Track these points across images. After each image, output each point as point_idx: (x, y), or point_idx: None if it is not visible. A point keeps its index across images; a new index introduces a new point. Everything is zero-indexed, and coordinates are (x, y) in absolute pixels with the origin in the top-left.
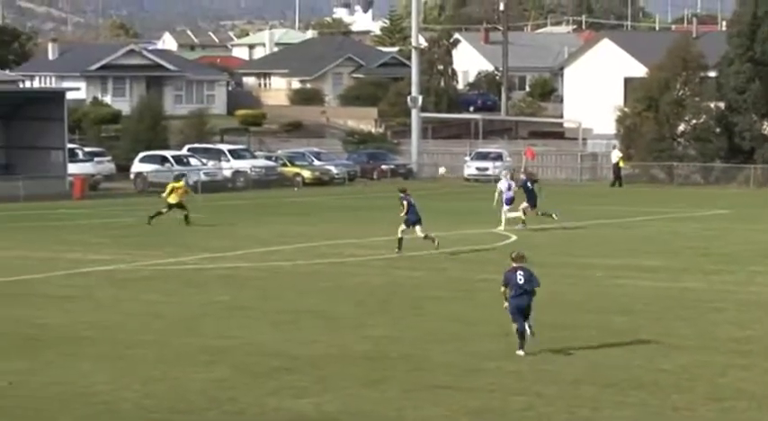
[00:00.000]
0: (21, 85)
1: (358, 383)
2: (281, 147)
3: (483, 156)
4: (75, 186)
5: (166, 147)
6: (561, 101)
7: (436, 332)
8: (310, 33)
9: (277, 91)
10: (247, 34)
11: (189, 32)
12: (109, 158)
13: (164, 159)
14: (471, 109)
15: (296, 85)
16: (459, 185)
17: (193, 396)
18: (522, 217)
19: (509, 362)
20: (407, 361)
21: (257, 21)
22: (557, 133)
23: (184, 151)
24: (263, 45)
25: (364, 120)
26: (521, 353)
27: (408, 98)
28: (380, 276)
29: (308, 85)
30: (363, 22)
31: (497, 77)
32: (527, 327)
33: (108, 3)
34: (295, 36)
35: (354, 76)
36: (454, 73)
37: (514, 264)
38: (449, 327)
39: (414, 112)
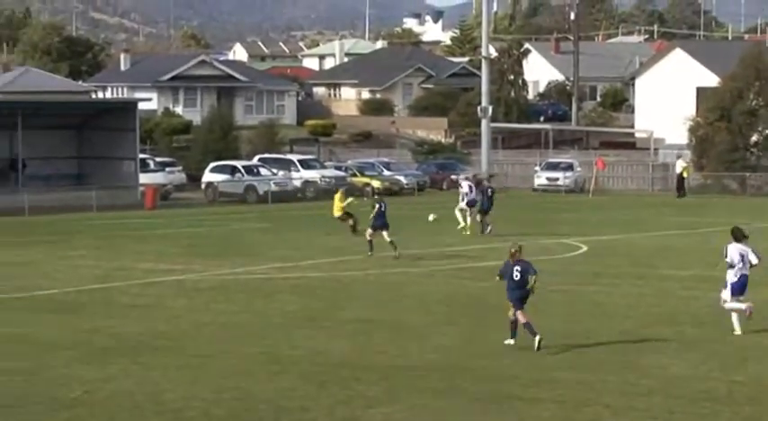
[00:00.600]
0: (93, 96)
1: (427, 394)
2: (350, 157)
3: (553, 167)
4: (147, 196)
5: (237, 157)
6: (632, 111)
7: (502, 343)
8: (380, 44)
9: (347, 101)
10: (318, 45)
11: (260, 43)
12: (180, 168)
13: (234, 169)
14: (542, 119)
15: (366, 95)
16: (528, 196)
17: (262, 405)
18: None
19: (577, 373)
20: (475, 371)
21: (327, 31)
22: (628, 143)
23: (255, 161)
24: (333, 55)
25: (434, 131)
26: (511, 342)
27: (478, 108)
28: (449, 286)
29: (378, 96)
30: (433, 32)
31: (568, 87)
32: (536, 340)
33: (180, 14)
34: (365, 46)
35: (424, 86)
36: (524, 83)
37: (512, 259)
38: (520, 340)
39: (484, 122)
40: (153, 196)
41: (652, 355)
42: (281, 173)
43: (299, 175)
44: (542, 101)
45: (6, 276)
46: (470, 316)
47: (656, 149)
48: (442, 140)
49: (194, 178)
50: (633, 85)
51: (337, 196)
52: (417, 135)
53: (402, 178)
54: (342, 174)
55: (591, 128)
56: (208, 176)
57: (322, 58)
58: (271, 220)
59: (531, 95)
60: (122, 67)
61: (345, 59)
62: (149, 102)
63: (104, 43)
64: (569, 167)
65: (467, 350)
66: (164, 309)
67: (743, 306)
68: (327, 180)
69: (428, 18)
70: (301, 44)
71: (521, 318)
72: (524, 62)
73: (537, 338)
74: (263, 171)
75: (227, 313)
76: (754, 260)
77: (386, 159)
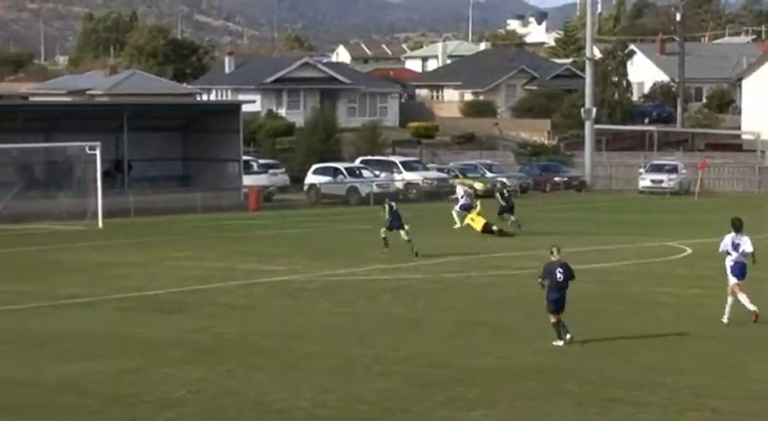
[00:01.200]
0: (198, 98)
1: (528, 396)
2: (453, 159)
3: (658, 169)
4: (251, 198)
5: (339, 159)
6: (739, 112)
7: (606, 345)
8: (483, 45)
9: (449, 103)
10: (421, 46)
11: (363, 45)
12: (283, 170)
13: (336, 171)
14: (646, 120)
15: (468, 96)
16: (633, 198)
17: (365, 406)
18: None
19: (683, 377)
20: (578, 374)
21: (431, 33)
22: (734, 145)
23: (357, 163)
24: (436, 57)
25: (537, 132)
26: (559, 343)
27: (582, 110)
28: None
29: (481, 97)
30: (537, 33)
31: (673, 89)
32: (567, 334)
33: (283, 16)
34: (468, 48)
35: (527, 87)
36: (629, 84)
37: (554, 259)
38: (619, 341)
39: (587, 124)
40: (256, 198)
41: (758, 359)
42: (383, 175)
43: (402, 177)
44: (647, 102)
45: (113, 277)
46: (574, 319)
47: (762, 151)
48: (546, 142)
49: (297, 180)
50: (740, 86)
51: (474, 215)
52: (520, 137)
53: (505, 180)
54: (444, 175)
55: (696, 129)
56: (310, 178)
57: (425, 59)
58: (373, 222)
59: (635, 97)
60: (227, 70)
61: (448, 61)
62: (253, 104)
63: (209, 46)
64: (674, 169)
65: (569, 352)
66: (267, 309)
67: (751, 307)
68: (430, 182)
69: (532, 19)
70: (404, 46)
71: (552, 319)
72: (629, 63)
73: (559, 343)
74: (365, 173)
75: (331, 314)
76: (749, 248)
77: (488, 161)
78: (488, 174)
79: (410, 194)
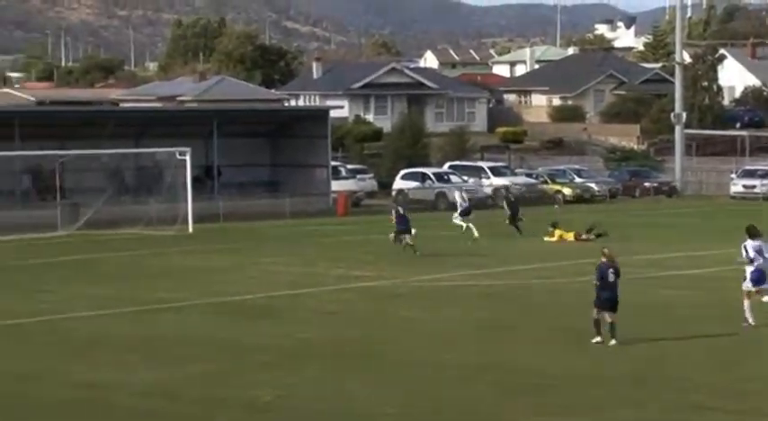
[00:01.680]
0: (286, 104)
1: (619, 403)
2: (541, 165)
3: (750, 174)
4: (339, 203)
5: (427, 165)
6: None
7: (697, 353)
8: (571, 50)
9: (537, 108)
10: (508, 51)
11: (450, 50)
12: (371, 175)
13: (424, 176)
14: (737, 125)
15: (557, 101)
16: (725, 203)
17: (452, 413)
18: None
19: None
20: (669, 381)
21: (518, 38)
22: None
23: (445, 168)
24: (524, 62)
25: (626, 137)
26: (598, 339)
27: (672, 114)
28: (642, 295)
29: (569, 102)
30: (626, 38)
31: (765, 93)
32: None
33: (371, 22)
34: (556, 53)
35: (616, 92)
36: (719, 89)
37: (605, 260)
38: (714, 350)
39: (677, 129)
40: (345, 203)
41: None
42: (471, 180)
43: (490, 182)
44: (738, 107)
45: (203, 282)
46: (660, 323)
47: None
48: (635, 147)
49: (385, 185)
50: None
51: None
52: (609, 142)
53: (593, 185)
54: (532, 181)
55: None
56: (399, 183)
57: (513, 64)
58: (456, 228)
59: (726, 101)
60: (314, 75)
61: (536, 66)
62: (341, 109)
63: (297, 52)
64: (767, 175)
65: (660, 360)
66: (355, 315)
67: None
68: (518, 187)
69: (620, 24)
70: (492, 51)
71: (608, 318)
72: (719, 67)
73: (613, 342)
74: (453, 178)
75: (418, 320)
76: None
77: (577, 166)
78: (577, 180)
79: (498, 200)
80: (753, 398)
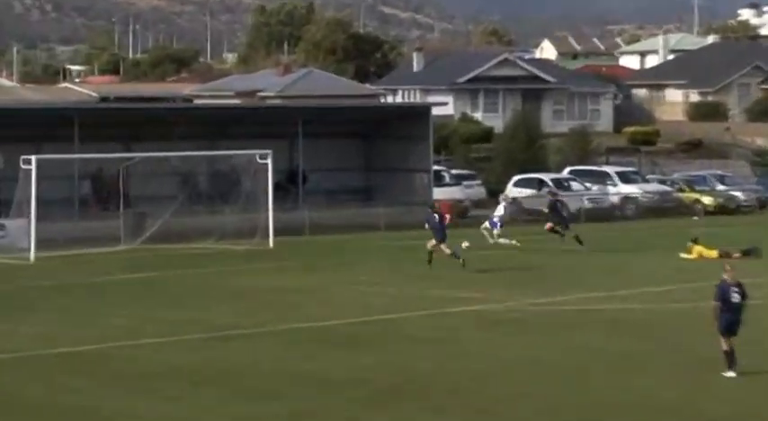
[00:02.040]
0: (382, 100)
1: None
2: (677, 170)
3: None
4: (443, 213)
5: (544, 170)
6: None
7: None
8: (711, 38)
9: (672, 104)
10: (638, 40)
11: (570, 39)
12: (479, 182)
13: (541, 183)
14: None
15: (695, 97)
16: None
17: None
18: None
19: None
20: None
21: (649, 25)
22: None
23: (565, 174)
24: (657, 52)
25: None
26: (731, 374)
27: None
28: None
29: (710, 98)
30: None
31: None
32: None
33: (480, 7)
34: (693, 42)
35: (764, 87)
36: None
37: (728, 278)
38: None
39: None
40: (449, 213)
41: None
42: (595, 187)
43: (617, 190)
44: None
45: (284, 304)
46: None
47: None
48: None
49: (495, 193)
50: None
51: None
52: (756, 143)
53: (739, 194)
54: (667, 189)
55: None
56: (511, 191)
57: (643, 55)
58: (585, 242)
59: None
60: (415, 68)
61: (671, 57)
62: (445, 106)
63: (395, 41)
64: None
65: None
66: (459, 343)
67: None
68: (650, 196)
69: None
70: (618, 40)
71: (724, 346)
72: None
73: (731, 374)
74: (574, 185)
75: (533, 349)
76: None
77: (720, 172)
78: (720, 187)
79: (628, 210)
80: None
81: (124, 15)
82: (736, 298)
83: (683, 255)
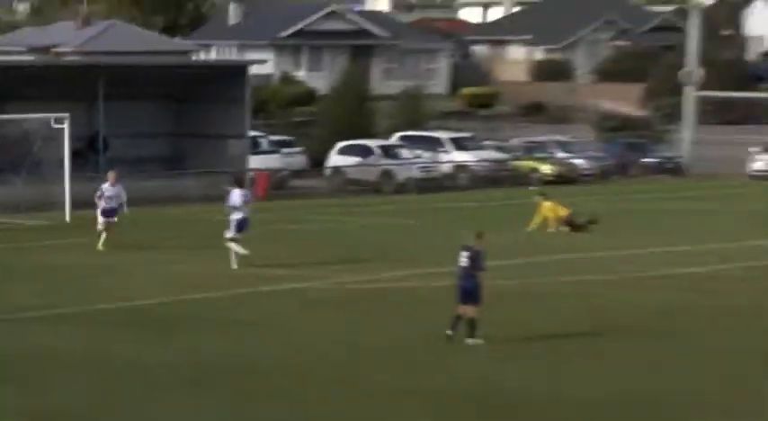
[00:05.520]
0: (194, 58)
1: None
2: (516, 135)
3: None
4: (258, 184)
5: (372, 136)
6: None
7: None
8: None
9: (515, 63)
10: None
11: None
12: (300, 149)
13: (368, 150)
14: (765, 86)
15: (539, 55)
16: (742, 184)
17: None
18: None
19: None
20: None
21: None
22: None
23: (394, 140)
24: (500, 4)
25: (625, 101)
26: (449, 332)
27: (680, 73)
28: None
29: (555, 56)
30: None
31: None
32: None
33: None
34: None
35: (615, 43)
36: (744, 40)
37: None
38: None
39: (688, 91)
40: (265, 184)
41: None
42: (426, 155)
43: (450, 158)
44: (767, 62)
45: (91, 284)
46: (658, 333)
47: None
48: (634, 114)
49: (317, 162)
50: None
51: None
52: (604, 107)
53: (581, 162)
54: (504, 156)
55: None
56: (334, 159)
57: (486, 6)
58: (413, 215)
59: (752, 55)
60: (231, 21)
61: (515, 9)
62: (264, 64)
63: None
64: None
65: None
66: (275, 325)
67: None
68: (485, 164)
69: None
70: None
71: (469, 313)
72: (745, 13)
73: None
74: (404, 152)
75: (348, 331)
76: None
77: (561, 138)
78: (560, 154)
79: (460, 180)
80: None
81: None
82: (465, 262)
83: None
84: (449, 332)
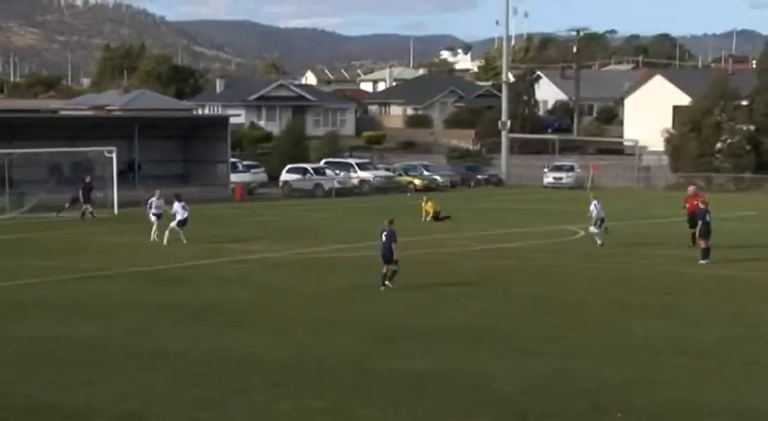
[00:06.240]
0: (194, 113)
1: (458, 347)
2: (397, 161)
3: (558, 168)
4: (237, 192)
5: (307, 161)
6: (622, 124)
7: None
8: (422, 71)
9: (395, 116)
10: (372, 71)
11: (326, 71)
12: (262, 169)
13: (305, 170)
14: (549, 130)
15: (410, 111)
16: (539, 192)
17: (332, 358)
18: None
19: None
20: (498, 331)
21: (380, 61)
22: (618, 150)
23: (321, 164)
24: (385, 80)
25: (464, 140)
26: (385, 286)
27: (499, 122)
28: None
29: (420, 112)
30: (464, 62)
31: (570, 105)
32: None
33: (263, 47)
34: (410, 73)
35: (457, 104)
36: (536, 102)
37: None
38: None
39: (503, 134)
40: (241, 192)
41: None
42: (342, 173)
43: (357, 175)
44: (550, 116)
45: (130, 255)
46: (492, 288)
47: (640, 155)
48: (470, 148)
49: (274, 177)
50: (623, 104)
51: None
52: (451, 143)
53: (438, 177)
54: (390, 174)
55: (589, 137)
56: (284, 176)
57: (376, 82)
58: (334, 211)
59: (541, 112)
60: (218, 90)
61: (394, 84)
62: (239, 117)
63: (203, 71)
64: (571, 169)
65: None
66: (247, 281)
67: None
68: (379, 179)
69: (460, 51)
70: (359, 71)
71: (391, 268)
72: (536, 86)
73: (389, 284)
74: (328, 172)
75: (300, 285)
76: None
77: (425, 162)
78: (425, 173)
79: (364, 189)
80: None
81: (6, 50)
82: (382, 238)
83: (426, 212)
84: (382, 287)
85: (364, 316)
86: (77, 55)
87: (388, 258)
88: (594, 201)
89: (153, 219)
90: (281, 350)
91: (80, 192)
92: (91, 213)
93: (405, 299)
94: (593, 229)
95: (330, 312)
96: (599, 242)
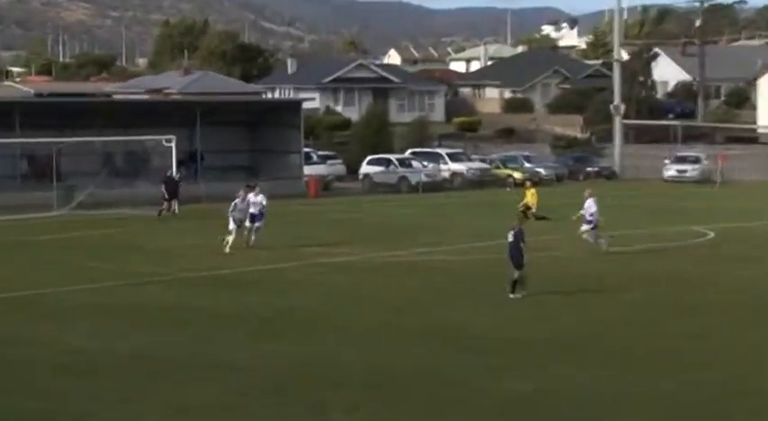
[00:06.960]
0: (263, 96)
1: (563, 364)
2: (494, 151)
3: (682, 160)
4: (310, 186)
5: (391, 151)
6: (755, 108)
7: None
8: (520, 48)
9: (490, 100)
10: (464, 49)
11: (411, 48)
12: (340, 161)
13: (388, 162)
14: (670, 116)
15: (508, 94)
16: (659, 186)
17: (403, 365)
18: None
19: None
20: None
21: (473, 37)
22: (751, 138)
23: (407, 154)
24: (478, 59)
25: (570, 127)
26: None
27: (611, 106)
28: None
29: (519, 95)
30: (569, 38)
31: (694, 87)
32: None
33: (340, 22)
34: (507, 51)
35: (561, 86)
36: (654, 83)
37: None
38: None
39: (616, 119)
40: (315, 186)
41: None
42: (431, 165)
43: (448, 167)
44: (670, 99)
45: (191, 257)
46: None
47: None
48: (578, 136)
49: (353, 170)
50: (755, 85)
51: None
52: (555, 131)
53: (541, 170)
54: (486, 166)
55: (717, 124)
56: (365, 168)
57: (468, 61)
58: (421, 208)
59: (659, 95)
60: (289, 71)
61: (489, 63)
62: (313, 101)
63: (273, 49)
64: (697, 160)
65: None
66: (326, 286)
67: None
68: (473, 171)
69: (564, 25)
70: (449, 49)
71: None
72: (653, 64)
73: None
74: (414, 163)
75: (380, 288)
76: None
77: (526, 153)
78: (527, 165)
79: (456, 183)
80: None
81: (55, 27)
82: (509, 238)
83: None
84: (511, 295)
85: (432, 323)
86: (133, 32)
87: (517, 261)
88: (590, 199)
89: (232, 225)
90: (361, 362)
91: (162, 186)
92: (172, 211)
93: (498, 307)
94: (584, 227)
95: (410, 318)
96: (605, 247)
